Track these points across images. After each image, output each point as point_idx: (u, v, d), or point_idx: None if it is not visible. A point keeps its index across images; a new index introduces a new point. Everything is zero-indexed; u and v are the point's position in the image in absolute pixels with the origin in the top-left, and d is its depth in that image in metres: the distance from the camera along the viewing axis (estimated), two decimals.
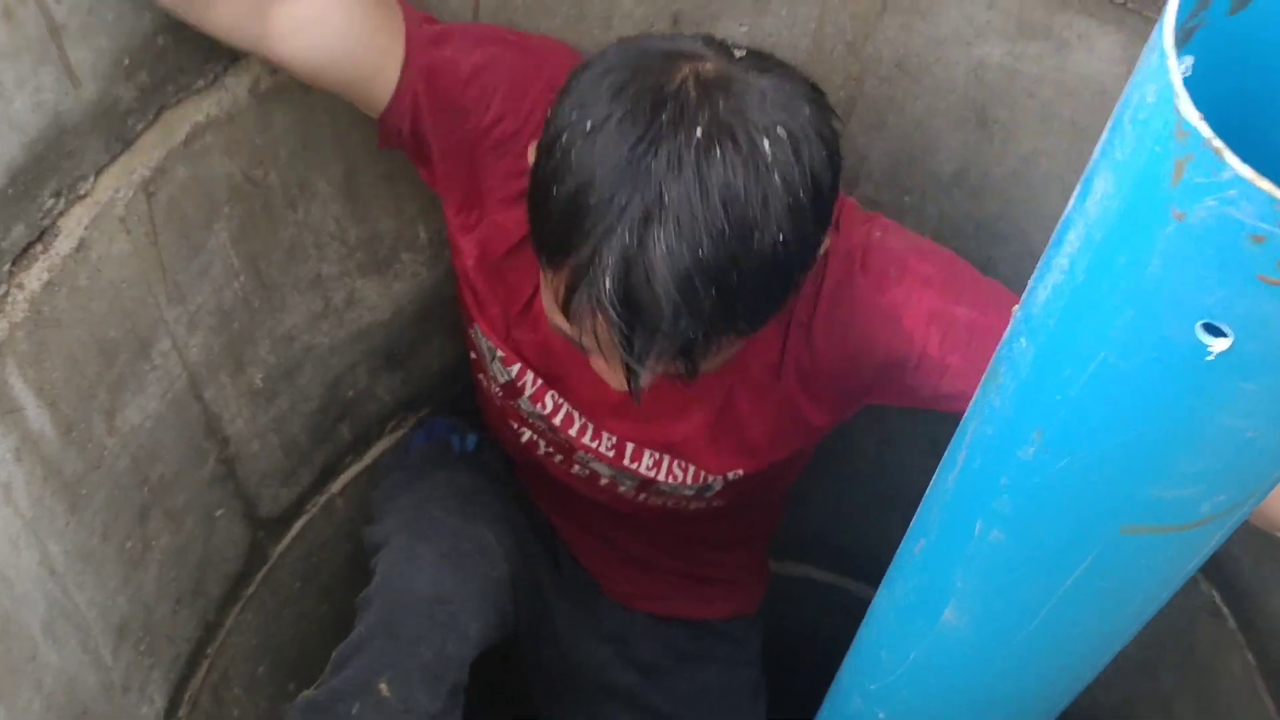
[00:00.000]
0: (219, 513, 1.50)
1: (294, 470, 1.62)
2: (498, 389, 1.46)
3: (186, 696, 1.51)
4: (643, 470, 1.43)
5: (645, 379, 1.10)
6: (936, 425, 1.48)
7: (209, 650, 1.55)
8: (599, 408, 1.39)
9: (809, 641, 2.05)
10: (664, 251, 0.99)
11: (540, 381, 1.41)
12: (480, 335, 1.42)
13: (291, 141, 1.34)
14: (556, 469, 1.51)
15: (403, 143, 1.30)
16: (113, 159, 1.17)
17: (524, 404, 1.44)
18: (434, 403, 1.80)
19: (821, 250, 1.13)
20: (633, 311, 1.02)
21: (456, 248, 1.37)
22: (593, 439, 1.43)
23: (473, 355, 1.48)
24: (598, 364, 1.16)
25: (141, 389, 1.30)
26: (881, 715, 1.19)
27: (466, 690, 1.41)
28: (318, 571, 1.74)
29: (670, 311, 1.01)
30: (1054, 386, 0.75)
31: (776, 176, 1.01)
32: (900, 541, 1.88)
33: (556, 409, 1.42)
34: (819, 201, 1.05)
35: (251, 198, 1.33)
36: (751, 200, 1.00)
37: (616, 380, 1.13)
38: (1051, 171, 1.39)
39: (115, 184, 1.18)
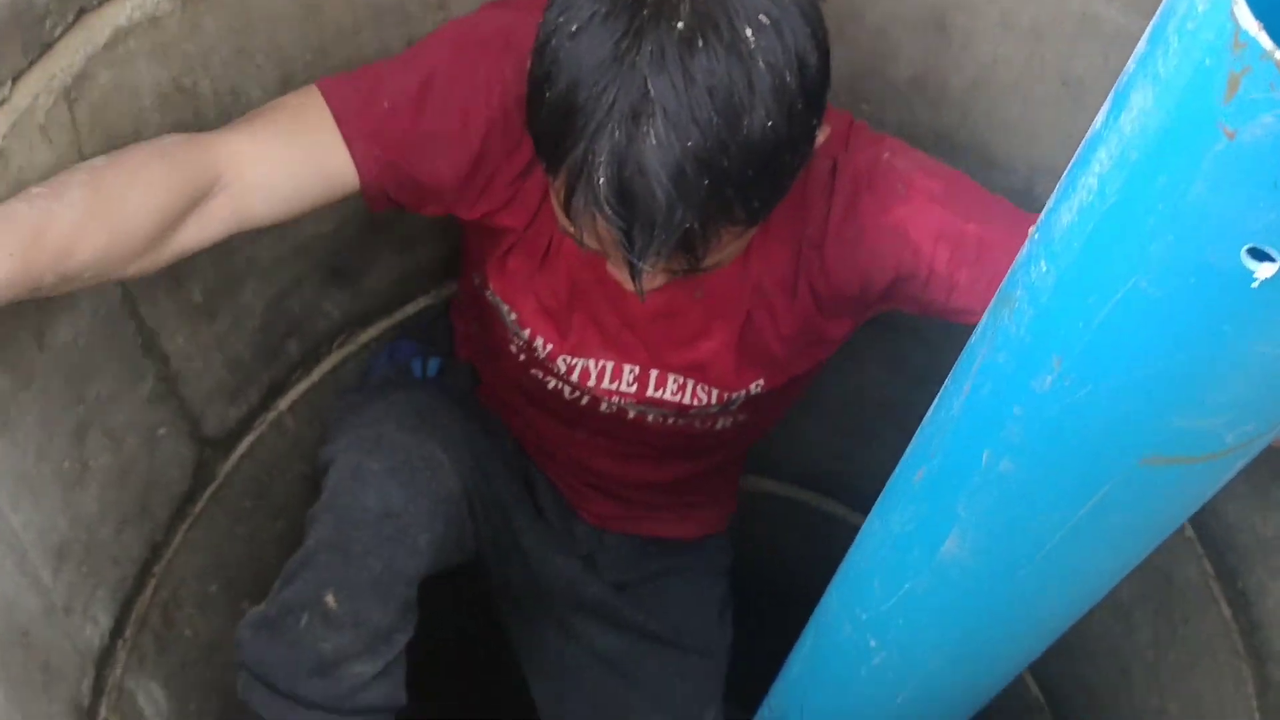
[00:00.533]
0: (161, 431, 1.46)
1: (240, 388, 1.58)
2: (520, 346, 1.46)
3: (134, 617, 1.48)
4: (667, 397, 1.45)
5: (651, 277, 1.12)
6: (898, 339, 1.47)
7: (156, 570, 1.51)
8: (624, 334, 1.40)
9: (767, 556, 2.05)
10: (654, 144, 1.01)
11: (551, 346, 1.43)
12: (496, 298, 1.43)
13: (224, 48, 1.28)
14: (584, 409, 1.51)
15: (394, 202, 1.32)
16: (31, 64, 1.11)
17: (545, 361, 1.45)
18: (384, 319, 1.76)
19: (818, 140, 1.14)
20: (629, 207, 1.03)
21: (488, 227, 1.37)
22: (612, 379, 1.44)
23: (495, 325, 1.48)
24: (612, 267, 1.19)
25: (72, 305, 1.25)
26: (873, 643, 1.19)
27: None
28: (270, 490, 1.71)
29: (665, 204, 1.02)
30: (1077, 313, 0.73)
31: (761, 62, 1.02)
32: (859, 455, 1.88)
33: (571, 369, 1.44)
34: (806, 84, 1.06)
35: (181, 107, 1.27)
36: (737, 87, 1.02)
37: (629, 282, 1.14)
38: (1010, 80, 1.36)
39: (34, 90, 1.12)
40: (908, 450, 1.05)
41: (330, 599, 1.36)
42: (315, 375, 1.70)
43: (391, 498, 1.39)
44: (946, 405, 0.96)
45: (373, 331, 1.75)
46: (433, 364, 1.68)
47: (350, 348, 1.73)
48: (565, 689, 1.79)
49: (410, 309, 1.79)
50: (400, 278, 1.73)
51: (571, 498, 1.74)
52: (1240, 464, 0.83)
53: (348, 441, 1.45)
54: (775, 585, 2.04)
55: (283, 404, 1.67)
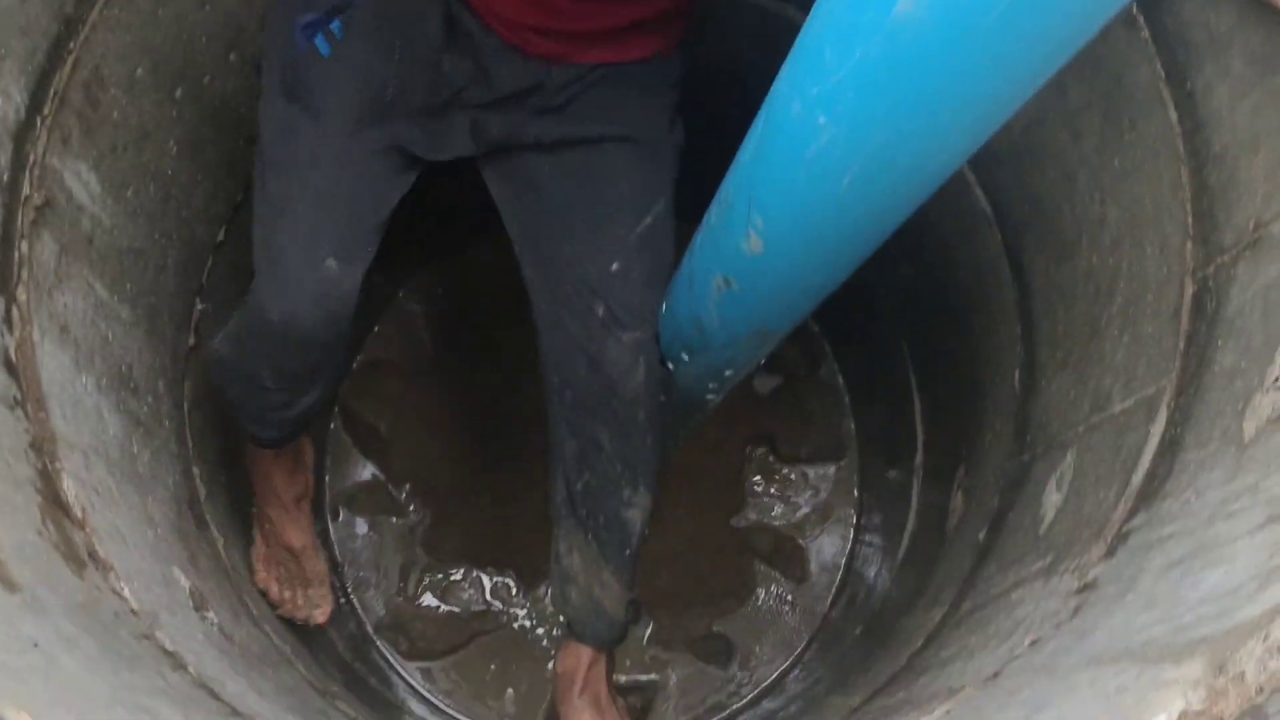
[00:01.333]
0: None
1: None
2: None
3: (52, 93, 1.43)
4: None
5: None
6: None
7: (72, 45, 1.44)
8: None
9: (732, 73, 1.98)
10: None
11: None
12: None
13: None
14: None
15: None
16: None
17: None
18: None
19: None
20: None
21: None
22: None
23: None
24: None
25: None
26: (822, 120, 1.13)
27: None
28: None
29: None
30: None
31: None
32: None
33: None
34: None
35: None
36: None
37: None
38: None
39: None
40: None
41: (269, 381, 1.63)
42: None
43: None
44: None
45: None
46: (335, 26, 1.59)
47: None
48: (522, 189, 1.79)
49: None
50: None
51: (519, 44, 1.68)
52: None
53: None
54: (738, 102, 1.98)
55: None
